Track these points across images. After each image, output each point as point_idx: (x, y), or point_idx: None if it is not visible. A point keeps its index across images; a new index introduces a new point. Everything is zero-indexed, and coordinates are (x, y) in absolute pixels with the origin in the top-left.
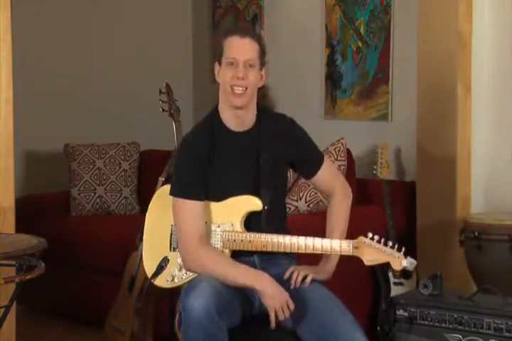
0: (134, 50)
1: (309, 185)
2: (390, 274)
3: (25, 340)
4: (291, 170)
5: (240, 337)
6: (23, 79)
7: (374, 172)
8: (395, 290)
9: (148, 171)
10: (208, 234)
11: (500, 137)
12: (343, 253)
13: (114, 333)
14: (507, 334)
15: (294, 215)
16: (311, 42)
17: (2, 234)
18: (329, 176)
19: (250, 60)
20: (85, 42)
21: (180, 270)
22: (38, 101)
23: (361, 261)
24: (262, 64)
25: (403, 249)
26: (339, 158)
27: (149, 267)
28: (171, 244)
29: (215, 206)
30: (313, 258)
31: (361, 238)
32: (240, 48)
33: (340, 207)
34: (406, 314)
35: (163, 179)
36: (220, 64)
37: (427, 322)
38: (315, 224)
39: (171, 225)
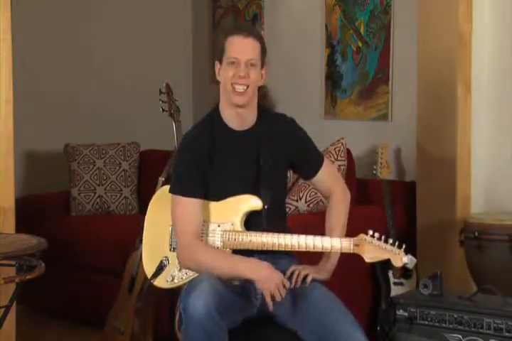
0: (134, 50)
1: (309, 185)
2: (390, 274)
3: (25, 340)
4: (291, 171)
5: (241, 337)
6: (23, 79)
7: (374, 172)
8: (395, 290)
9: (148, 171)
10: (206, 233)
11: (501, 137)
12: (343, 251)
13: (114, 333)
14: (507, 334)
15: (294, 215)
16: (311, 42)
17: (2, 234)
18: (329, 177)
19: (252, 60)
20: (85, 42)
21: (180, 270)
22: (38, 101)
23: (361, 260)
24: (263, 63)
25: (403, 246)
26: (339, 158)
27: (149, 267)
28: (170, 244)
29: (215, 205)
30: (313, 258)
31: (362, 235)
32: (241, 48)
33: (339, 208)
34: (406, 314)
35: (163, 179)
36: (220, 63)
37: (427, 322)
38: (315, 224)
39: (171, 225)
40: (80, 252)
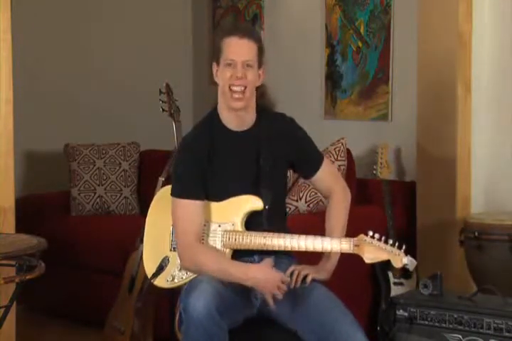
0: (134, 50)
1: (309, 185)
2: (390, 274)
3: (25, 340)
4: (291, 170)
5: (241, 337)
6: (23, 79)
7: (374, 172)
8: (395, 290)
9: (148, 171)
10: (206, 233)
11: (501, 137)
12: (343, 252)
13: (114, 333)
14: (507, 334)
15: (294, 215)
16: (311, 42)
17: (2, 234)
18: (329, 177)
19: (248, 61)
20: (85, 42)
21: (180, 270)
22: (38, 101)
23: (361, 260)
24: (260, 63)
25: (403, 247)
26: (339, 158)
27: (149, 267)
28: (171, 244)
29: (215, 206)
30: (313, 258)
31: (362, 236)
32: (238, 49)
33: (339, 208)
34: (406, 314)
35: (163, 179)
36: (218, 64)
37: (427, 322)
38: (315, 224)
39: (171, 225)
40: (80, 252)
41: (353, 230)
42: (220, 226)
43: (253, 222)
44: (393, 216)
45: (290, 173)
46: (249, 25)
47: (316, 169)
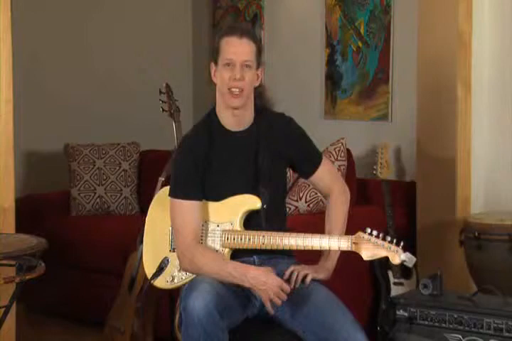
0: (134, 50)
1: (309, 185)
2: (390, 274)
3: (25, 340)
4: (290, 170)
5: (240, 337)
6: (23, 79)
7: (374, 172)
8: (395, 290)
9: (148, 171)
10: (205, 233)
11: (500, 137)
12: (341, 249)
13: (114, 333)
14: (507, 334)
15: (294, 215)
16: (311, 42)
17: (2, 234)
18: (328, 176)
19: (247, 61)
20: (85, 42)
21: (180, 271)
22: (38, 101)
23: (361, 260)
24: (259, 64)
25: (401, 243)
26: (339, 158)
27: (149, 268)
28: (170, 244)
29: (214, 205)
30: (313, 258)
31: (360, 233)
32: (237, 49)
33: (339, 207)
34: (406, 314)
35: (163, 179)
36: (216, 64)
37: (427, 322)
38: (315, 224)
39: (171, 226)
40: (80, 252)
41: (353, 230)
42: (218, 226)
43: (252, 221)
44: (393, 216)
45: (290, 173)
46: (248, 25)
47: (315, 168)
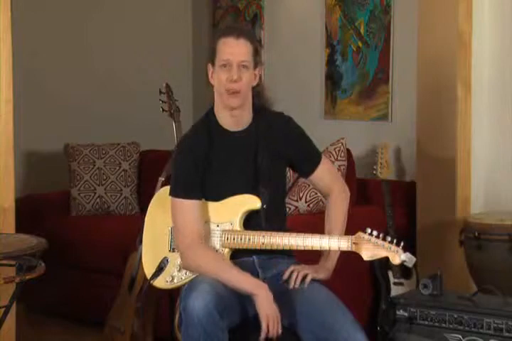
0: (134, 50)
1: (309, 185)
2: (390, 274)
3: (25, 340)
4: (290, 171)
5: (240, 337)
6: (23, 79)
7: (374, 172)
8: (395, 290)
9: (148, 171)
10: (207, 233)
11: (501, 137)
12: (341, 250)
13: (114, 333)
14: (507, 334)
15: (294, 215)
16: (311, 42)
17: (2, 234)
18: (327, 175)
19: (244, 62)
20: (85, 42)
21: (179, 271)
22: (38, 101)
23: (361, 260)
24: (256, 63)
25: (402, 243)
26: (339, 158)
27: (149, 268)
28: (170, 244)
29: (214, 206)
30: (312, 258)
31: (360, 233)
32: (233, 50)
33: (339, 206)
34: (406, 314)
35: (163, 179)
36: (213, 65)
37: (427, 322)
38: (315, 224)
39: (170, 226)
40: (80, 252)
41: (353, 230)
42: (218, 226)
43: (252, 221)
44: (393, 216)
45: (290, 173)
46: (246, 25)
47: (315, 167)
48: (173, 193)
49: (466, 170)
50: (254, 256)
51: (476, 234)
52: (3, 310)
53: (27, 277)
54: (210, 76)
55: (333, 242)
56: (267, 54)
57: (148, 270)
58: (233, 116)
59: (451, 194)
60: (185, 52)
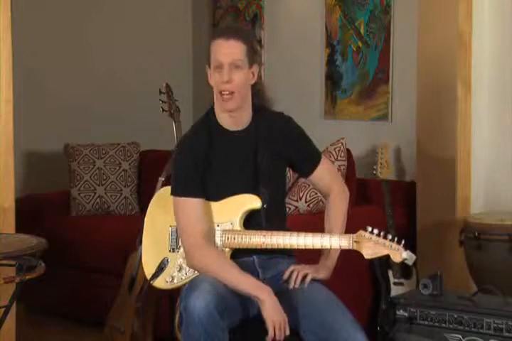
0: (134, 50)
1: (309, 185)
2: (390, 274)
3: (25, 340)
4: (290, 171)
5: (240, 337)
6: (23, 79)
7: (374, 172)
8: (395, 290)
9: (148, 171)
10: (211, 232)
11: (500, 137)
12: (343, 248)
13: (114, 333)
14: (507, 334)
15: (294, 215)
16: (311, 42)
17: (2, 234)
18: (327, 175)
19: (236, 62)
20: (85, 42)
21: (179, 271)
22: (38, 101)
23: (361, 260)
24: (252, 62)
25: (403, 242)
26: (339, 158)
27: (149, 268)
28: (170, 245)
29: (214, 205)
30: (313, 257)
31: (361, 232)
32: (223, 51)
33: (338, 206)
34: (406, 314)
35: (163, 179)
36: (210, 67)
37: (427, 322)
38: (315, 224)
39: (170, 226)
40: (80, 252)
41: (353, 230)
42: (218, 225)
43: (252, 221)
44: (393, 216)
45: (290, 173)
46: (239, 25)
47: (314, 167)
48: (174, 192)
49: (466, 170)
50: (255, 256)
51: (476, 234)
52: (3, 310)
53: (27, 277)
54: (209, 77)
55: (334, 241)
56: (267, 54)
57: (148, 270)
58: (232, 117)
59: (451, 194)
60: (185, 52)
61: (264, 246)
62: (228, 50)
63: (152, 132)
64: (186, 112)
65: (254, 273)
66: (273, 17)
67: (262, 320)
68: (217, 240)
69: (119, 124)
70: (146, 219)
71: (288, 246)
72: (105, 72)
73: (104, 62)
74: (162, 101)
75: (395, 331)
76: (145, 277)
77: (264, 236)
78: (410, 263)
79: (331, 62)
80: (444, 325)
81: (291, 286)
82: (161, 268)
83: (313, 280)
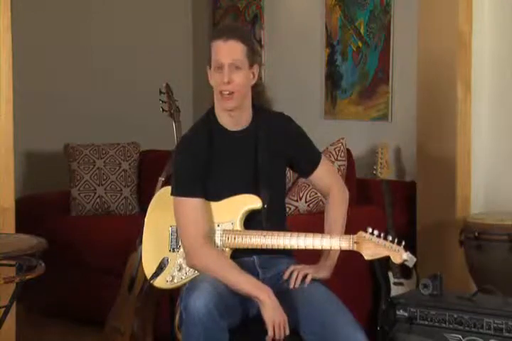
0: (134, 50)
1: (309, 185)
2: (390, 274)
3: (25, 340)
4: (290, 171)
5: (240, 337)
6: (23, 79)
7: (374, 172)
8: (395, 290)
9: (148, 171)
10: (211, 232)
11: (500, 137)
12: (343, 249)
13: (114, 333)
14: (507, 334)
15: (294, 215)
16: (311, 42)
17: (2, 234)
18: (327, 175)
19: (235, 62)
20: (85, 42)
21: (180, 270)
22: (38, 101)
23: (361, 260)
24: (252, 62)
25: (403, 243)
26: (339, 158)
27: (149, 268)
28: (170, 244)
29: (214, 205)
30: (313, 257)
31: (361, 233)
32: (223, 52)
33: (338, 207)
34: (406, 314)
35: (163, 179)
36: (210, 67)
37: (427, 322)
38: (315, 224)
39: (170, 226)
40: (80, 252)
41: (353, 230)
42: (219, 225)
43: (252, 221)
44: (393, 216)
45: (290, 173)
46: (241, 24)
47: (314, 167)
48: (175, 192)
49: (466, 169)
50: (255, 256)
51: (476, 234)
52: (3, 310)
53: (27, 277)
54: (209, 78)
55: (334, 241)
56: (267, 54)
57: (148, 270)
58: (232, 117)
59: (451, 194)
60: (185, 52)
61: (264, 247)
62: (227, 51)
63: (152, 132)
64: (186, 112)
65: (254, 273)
66: (273, 17)
67: (262, 320)
68: (218, 240)
69: (119, 124)
70: (146, 219)
71: (288, 247)
72: (105, 72)
73: (104, 62)
74: (162, 101)
75: (395, 331)
76: (145, 277)
77: (264, 236)
78: (410, 265)
79: (331, 62)
80: (444, 325)
81: (291, 286)
82: (161, 268)
83: (313, 280)
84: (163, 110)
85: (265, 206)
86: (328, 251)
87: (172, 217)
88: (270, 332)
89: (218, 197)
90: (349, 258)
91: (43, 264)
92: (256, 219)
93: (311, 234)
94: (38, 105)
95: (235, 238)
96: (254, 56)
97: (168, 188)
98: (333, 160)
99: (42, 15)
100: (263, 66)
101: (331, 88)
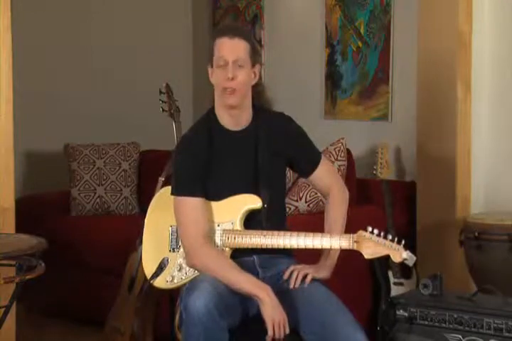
0: (134, 50)
1: (309, 185)
2: (390, 274)
3: (25, 340)
4: (290, 171)
5: (240, 337)
6: (23, 79)
7: (374, 172)
8: (395, 290)
9: (148, 171)
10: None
11: (500, 137)
12: (343, 248)
13: (114, 333)
14: (507, 334)
15: (294, 215)
16: (311, 42)
17: (2, 234)
18: (327, 175)
19: (239, 61)
20: (85, 42)
21: (180, 270)
22: (38, 101)
23: (361, 260)
24: (254, 62)
25: (403, 242)
26: (339, 158)
27: (149, 268)
28: (170, 245)
29: (214, 205)
30: (313, 257)
31: (361, 232)
32: (228, 49)
33: (338, 207)
34: (406, 314)
35: (163, 179)
36: (212, 66)
37: (427, 322)
38: (315, 224)
39: (170, 226)
40: (80, 252)
41: (353, 230)
42: (219, 225)
43: (252, 221)
44: (393, 216)
45: (290, 173)
46: (245, 25)
47: (314, 167)
48: (175, 192)
49: (466, 170)
50: (255, 256)
51: (476, 234)
52: (3, 310)
53: (27, 277)
54: (210, 76)
55: (334, 241)
56: (267, 54)
57: (148, 270)
58: (232, 116)
59: (451, 194)
60: (185, 52)
61: (264, 247)
62: (233, 48)
63: (152, 132)
64: (186, 112)
65: (254, 272)
66: (273, 17)
67: (262, 319)
68: (218, 240)
69: (119, 124)
70: (146, 219)
71: (288, 246)
72: (105, 72)
73: (104, 62)
74: (162, 101)
75: (395, 331)
76: (145, 277)
77: (264, 236)
78: (410, 264)
79: (331, 62)
80: (444, 325)
81: (291, 286)
82: (161, 268)
83: (313, 280)
84: (163, 110)
85: (265, 206)
86: (328, 250)
87: (172, 217)
88: (270, 331)
89: (218, 196)
90: (349, 258)
91: (43, 264)
92: (256, 218)
93: (311, 234)
94: (38, 105)
95: (235, 238)
96: (256, 56)
97: (168, 188)
98: (333, 160)
99: (42, 15)
100: (263, 66)
101: (331, 88)
